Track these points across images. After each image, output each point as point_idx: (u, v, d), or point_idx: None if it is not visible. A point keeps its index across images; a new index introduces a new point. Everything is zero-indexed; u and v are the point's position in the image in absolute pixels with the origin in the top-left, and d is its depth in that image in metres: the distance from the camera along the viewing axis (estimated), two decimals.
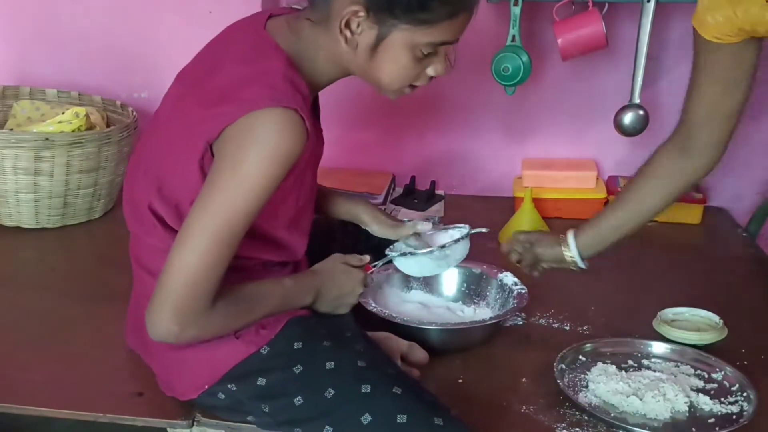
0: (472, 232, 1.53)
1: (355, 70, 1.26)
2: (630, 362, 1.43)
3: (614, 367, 1.40)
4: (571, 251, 1.49)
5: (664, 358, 1.45)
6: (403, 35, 1.19)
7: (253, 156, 1.13)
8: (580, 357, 1.44)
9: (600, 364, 1.41)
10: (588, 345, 1.46)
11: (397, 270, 1.53)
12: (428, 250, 1.49)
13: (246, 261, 1.27)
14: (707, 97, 1.34)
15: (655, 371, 1.40)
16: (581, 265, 1.49)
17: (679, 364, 1.43)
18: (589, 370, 1.40)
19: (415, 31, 1.18)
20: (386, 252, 1.52)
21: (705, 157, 1.39)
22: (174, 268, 1.14)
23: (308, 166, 1.28)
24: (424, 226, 1.50)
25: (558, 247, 1.50)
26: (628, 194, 1.47)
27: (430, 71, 1.26)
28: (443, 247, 1.49)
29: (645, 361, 1.44)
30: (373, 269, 1.47)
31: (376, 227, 1.50)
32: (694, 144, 1.38)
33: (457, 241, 1.50)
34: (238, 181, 1.13)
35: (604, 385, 1.34)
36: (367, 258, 1.44)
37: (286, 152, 1.14)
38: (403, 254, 1.49)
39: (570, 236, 1.49)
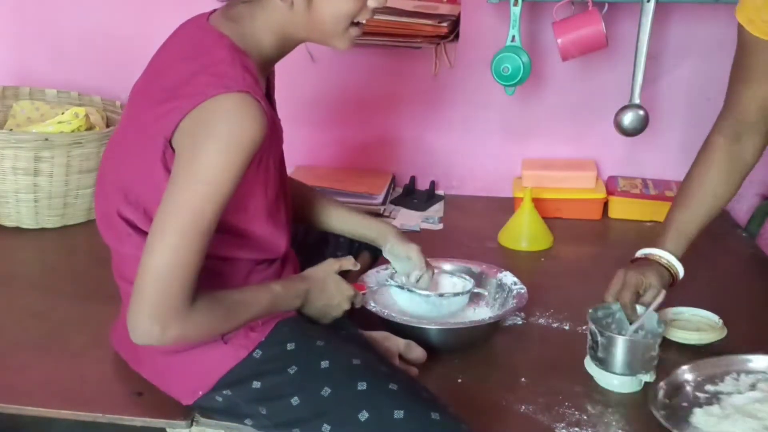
0: (474, 291, 1.55)
1: (299, 31, 1.25)
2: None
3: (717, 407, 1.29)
4: (673, 264, 1.45)
5: None
6: None
7: (211, 147, 1.12)
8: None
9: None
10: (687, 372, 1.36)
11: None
12: (426, 293, 1.50)
13: (228, 261, 1.27)
14: (760, 93, 1.38)
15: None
16: (681, 273, 1.46)
17: None
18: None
19: None
20: (387, 274, 1.54)
21: (757, 145, 1.45)
22: (146, 270, 1.12)
23: (270, 152, 1.25)
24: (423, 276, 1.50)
25: (661, 270, 1.44)
26: (694, 190, 1.47)
27: (372, 2, 1.25)
28: (441, 295, 1.51)
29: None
30: (367, 291, 1.47)
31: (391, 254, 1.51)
32: (746, 134, 1.44)
33: (456, 294, 1.52)
34: (198, 174, 1.12)
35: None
36: (358, 265, 1.44)
37: (245, 138, 1.13)
38: (401, 287, 1.51)
39: (661, 252, 1.45)
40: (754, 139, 1.45)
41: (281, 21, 1.23)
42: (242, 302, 1.23)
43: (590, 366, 1.38)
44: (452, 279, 1.58)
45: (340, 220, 1.53)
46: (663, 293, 1.40)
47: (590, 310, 1.39)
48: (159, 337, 1.13)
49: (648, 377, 1.34)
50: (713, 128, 1.48)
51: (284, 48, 1.29)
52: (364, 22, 1.26)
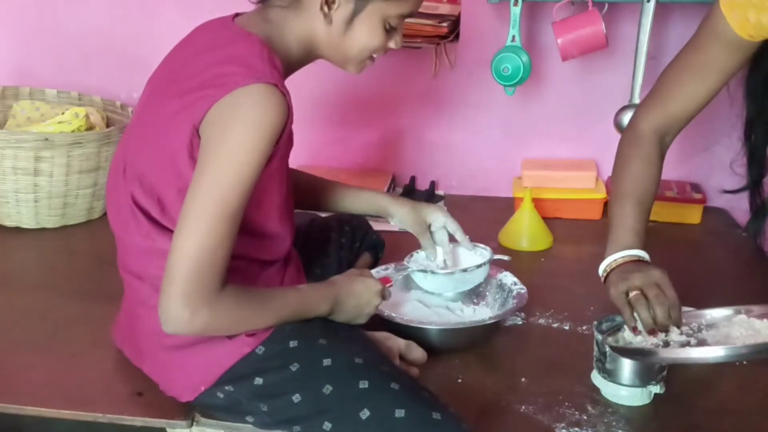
0: (494, 258, 1.56)
1: (323, 48, 1.31)
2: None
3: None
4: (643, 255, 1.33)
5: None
6: (378, 8, 1.26)
7: (239, 131, 1.15)
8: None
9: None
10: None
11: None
12: (449, 271, 1.52)
13: (241, 260, 1.26)
14: (702, 90, 1.36)
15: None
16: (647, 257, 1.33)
17: None
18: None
19: (389, 3, 1.26)
20: (405, 262, 1.56)
21: (674, 137, 1.43)
22: (176, 254, 1.13)
23: (286, 150, 1.28)
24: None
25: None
26: (630, 187, 1.38)
27: (392, 44, 1.33)
28: (465, 270, 1.52)
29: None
30: (393, 282, 1.47)
31: (402, 217, 1.54)
32: (673, 128, 1.41)
33: (479, 266, 1.53)
34: (226, 158, 1.15)
35: None
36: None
37: (270, 125, 1.16)
38: (423, 271, 1.52)
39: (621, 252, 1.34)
40: (675, 133, 1.42)
41: (312, 32, 1.28)
42: (271, 297, 1.24)
43: (597, 379, 1.36)
44: (469, 251, 1.59)
45: (343, 200, 1.58)
46: None
47: (595, 322, 1.37)
48: (189, 322, 1.14)
49: (658, 388, 1.32)
50: (641, 119, 1.41)
51: (303, 60, 1.34)
52: (376, 56, 1.34)
